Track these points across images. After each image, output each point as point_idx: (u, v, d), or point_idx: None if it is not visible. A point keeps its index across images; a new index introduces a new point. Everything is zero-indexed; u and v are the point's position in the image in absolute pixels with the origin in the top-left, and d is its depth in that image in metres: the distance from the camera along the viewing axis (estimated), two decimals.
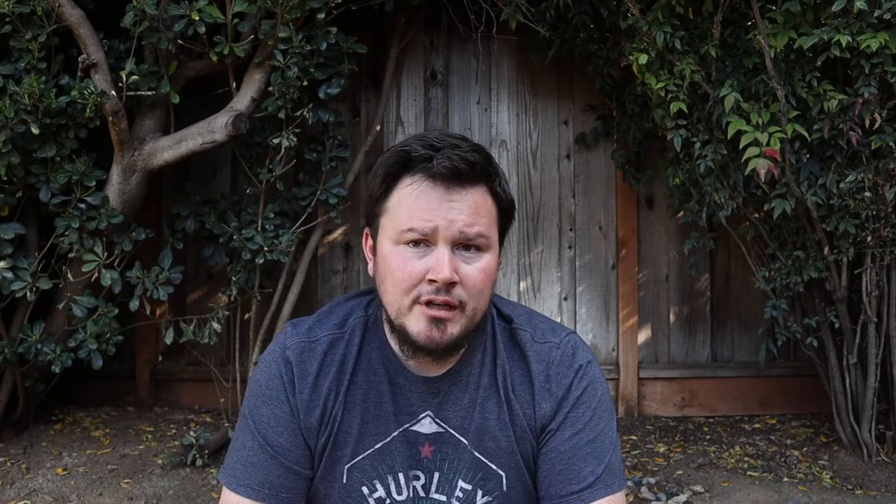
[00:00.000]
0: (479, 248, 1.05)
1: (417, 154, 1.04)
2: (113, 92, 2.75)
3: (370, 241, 1.13)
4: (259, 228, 3.10)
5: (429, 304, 1.02)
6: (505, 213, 1.10)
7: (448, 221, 1.02)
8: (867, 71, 2.61)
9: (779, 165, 2.68)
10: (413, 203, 1.03)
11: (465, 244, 1.04)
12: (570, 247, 3.80)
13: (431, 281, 1.01)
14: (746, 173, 2.72)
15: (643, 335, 3.79)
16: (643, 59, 2.78)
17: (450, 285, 1.01)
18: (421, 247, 1.03)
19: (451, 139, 1.06)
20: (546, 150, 3.81)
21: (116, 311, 2.94)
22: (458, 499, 1.13)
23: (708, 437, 3.41)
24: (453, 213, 1.02)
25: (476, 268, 1.04)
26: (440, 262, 1.01)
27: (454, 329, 1.04)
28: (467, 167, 1.03)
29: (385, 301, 1.07)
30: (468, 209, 1.03)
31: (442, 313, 1.02)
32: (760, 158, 2.64)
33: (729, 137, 2.75)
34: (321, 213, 3.33)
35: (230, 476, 1.11)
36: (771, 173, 2.64)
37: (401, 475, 1.12)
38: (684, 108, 2.81)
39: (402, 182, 1.05)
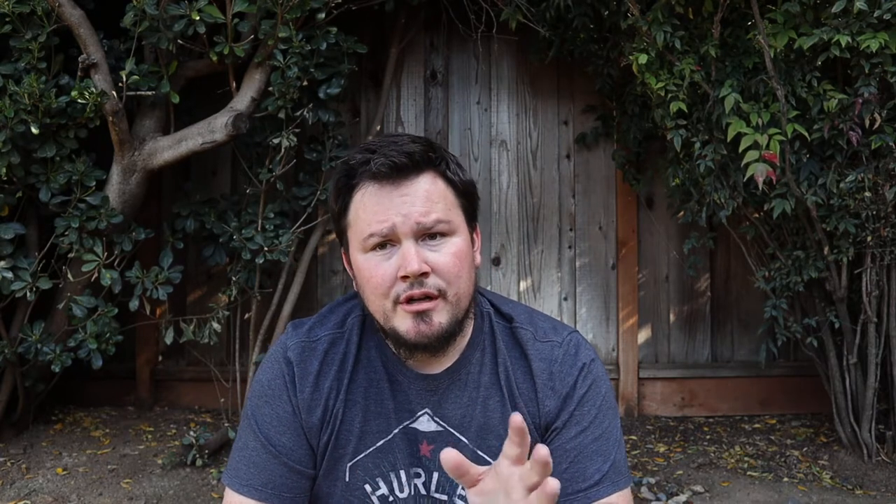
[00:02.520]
0: (444, 234, 1.05)
1: (356, 161, 1.05)
2: (113, 92, 2.75)
3: (347, 258, 1.14)
4: (259, 228, 3.10)
5: (409, 300, 1.03)
6: (463, 194, 1.10)
7: (403, 216, 1.03)
8: (867, 71, 2.61)
9: (778, 167, 2.69)
10: (366, 209, 1.04)
11: (428, 234, 1.04)
12: (570, 247, 3.80)
13: (404, 278, 1.02)
14: (746, 178, 2.72)
15: (643, 335, 3.79)
16: (643, 58, 2.78)
17: (422, 276, 1.02)
18: (387, 248, 1.04)
19: (389, 138, 1.07)
20: (546, 150, 3.81)
21: (116, 310, 2.94)
22: (461, 497, 1.13)
23: (708, 437, 3.41)
24: (406, 207, 1.03)
25: (445, 253, 1.05)
26: (406, 256, 1.02)
27: (441, 318, 1.04)
28: (406, 159, 1.03)
29: (372, 310, 1.08)
30: (420, 199, 1.04)
31: (424, 305, 1.03)
32: (759, 164, 2.63)
33: (729, 140, 2.75)
34: (321, 213, 3.33)
35: (233, 476, 1.12)
36: (770, 177, 2.65)
37: (402, 472, 1.12)
38: (684, 107, 2.81)
39: (353, 193, 1.07)
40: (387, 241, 1.04)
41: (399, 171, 1.03)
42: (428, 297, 1.03)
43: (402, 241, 1.03)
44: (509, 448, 0.77)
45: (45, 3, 2.67)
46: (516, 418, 0.76)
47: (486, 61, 3.81)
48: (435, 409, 1.12)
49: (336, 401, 1.11)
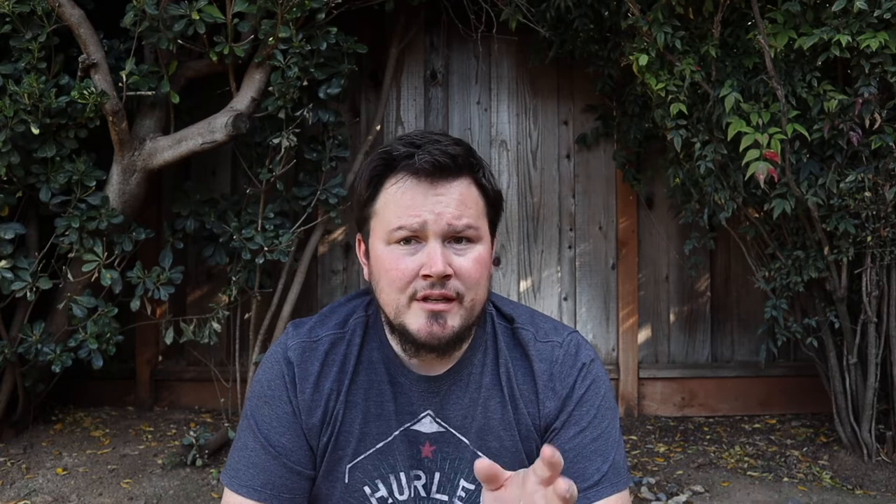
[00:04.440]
0: (470, 240, 1.06)
1: (399, 153, 1.05)
2: (113, 92, 2.75)
3: (363, 246, 1.14)
4: (259, 228, 3.10)
5: (425, 299, 1.03)
6: (492, 203, 1.10)
7: (436, 215, 1.03)
8: (867, 71, 2.61)
9: (778, 166, 2.69)
10: (400, 201, 1.04)
11: (455, 237, 1.04)
12: (570, 247, 3.80)
13: (426, 276, 1.02)
14: (746, 178, 2.72)
15: (643, 335, 3.79)
16: (643, 59, 2.78)
17: (444, 278, 1.02)
18: (412, 244, 1.04)
19: (431, 135, 1.07)
20: (546, 150, 3.81)
21: (116, 311, 2.94)
22: (460, 498, 1.13)
23: (708, 437, 3.41)
24: (440, 207, 1.03)
25: (469, 259, 1.05)
26: (432, 256, 1.02)
27: (454, 322, 1.04)
28: (449, 160, 1.03)
29: (382, 302, 1.08)
30: (455, 202, 1.04)
31: (440, 306, 1.03)
32: (760, 162, 2.63)
33: (729, 139, 2.75)
34: (321, 213, 3.33)
35: (232, 477, 1.11)
36: (770, 176, 2.65)
37: (402, 475, 1.12)
38: (684, 109, 2.81)
39: (388, 183, 1.06)
40: (413, 237, 1.04)
41: (441, 170, 1.03)
42: (446, 299, 1.03)
43: (429, 240, 1.03)
44: (541, 469, 0.73)
45: (45, 3, 2.66)
46: (546, 452, 0.71)
47: (486, 61, 3.81)
48: (437, 410, 1.12)
49: (336, 402, 1.11)
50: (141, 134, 2.98)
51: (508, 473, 0.79)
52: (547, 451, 0.71)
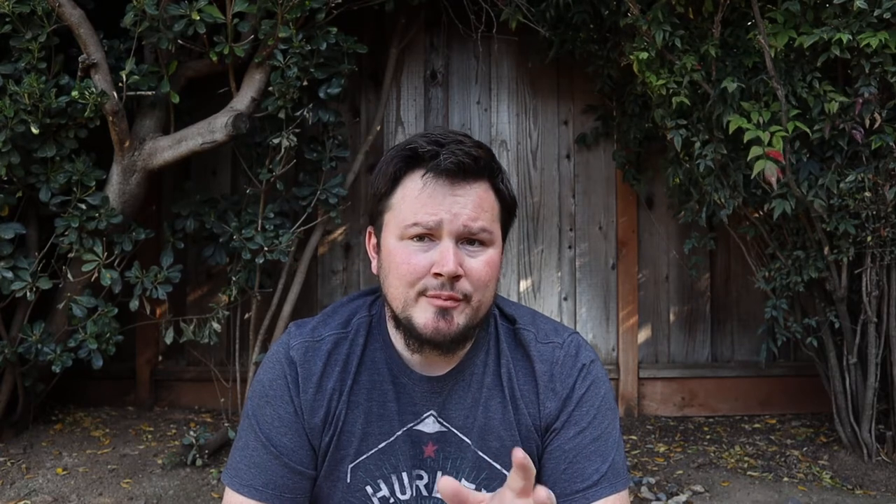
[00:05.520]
0: (483, 243, 1.06)
1: (424, 150, 1.05)
2: (113, 92, 2.75)
3: (373, 240, 1.14)
4: (259, 228, 3.10)
5: (434, 297, 1.03)
6: (507, 209, 1.11)
7: (452, 215, 1.03)
8: (867, 71, 2.61)
9: (783, 164, 2.69)
10: (418, 198, 1.04)
11: (468, 238, 1.05)
12: (570, 247, 3.80)
13: (437, 275, 1.02)
14: (753, 176, 2.71)
15: (643, 335, 3.79)
16: (643, 56, 2.78)
17: (454, 279, 1.02)
18: (426, 241, 1.04)
19: (454, 135, 1.07)
20: (546, 150, 3.81)
21: (116, 310, 2.94)
22: None
23: (708, 437, 3.41)
24: (457, 208, 1.03)
25: (480, 261, 1.05)
26: (445, 255, 1.02)
27: (460, 319, 1.04)
28: (471, 162, 1.04)
29: (390, 296, 1.08)
30: (472, 204, 1.04)
31: (448, 303, 1.03)
32: (767, 162, 2.63)
33: (730, 133, 2.74)
34: (321, 213, 3.33)
35: (233, 476, 1.11)
36: (777, 176, 2.65)
37: (404, 475, 1.12)
38: (686, 101, 2.80)
39: (407, 178, 1.06)
40: (427, 235, 1.04)
41: (462, 171, 1.04)
42: (453, 300, 1.03)
43: (443, 239, 1.03)
44: (513, 480, 0.74)
45: (45, 3, 2.66)
46: (518, 454, 0.72)
47: (486, 61, 3.81)
48: (440, 410, 1.12)
49: (339, 402, 1.11)
50: (141, 134, 2.98)
51: (480, 496, 0.78)
52: (518, 452, 0.72)
